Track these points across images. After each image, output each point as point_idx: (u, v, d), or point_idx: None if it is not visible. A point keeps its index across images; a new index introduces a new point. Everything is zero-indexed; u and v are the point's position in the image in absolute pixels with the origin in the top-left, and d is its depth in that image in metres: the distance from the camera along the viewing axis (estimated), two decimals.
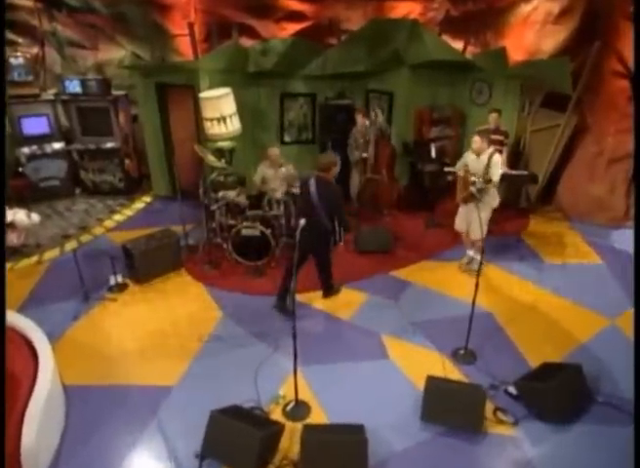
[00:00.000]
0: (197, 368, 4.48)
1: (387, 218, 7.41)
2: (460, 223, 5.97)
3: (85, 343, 4.83)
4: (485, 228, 5.55)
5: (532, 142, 7.57)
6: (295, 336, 3.70)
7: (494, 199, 5.65)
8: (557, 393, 3.77)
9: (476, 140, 5.50)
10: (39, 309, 5.19)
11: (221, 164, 6.19)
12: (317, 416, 3.93)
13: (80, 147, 8.10)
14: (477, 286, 4.36)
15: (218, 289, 5.72)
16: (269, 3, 8.44)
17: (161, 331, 5.00)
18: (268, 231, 5.92)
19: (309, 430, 3.57)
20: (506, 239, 6.74)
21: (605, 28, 6.63)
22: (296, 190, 6.14)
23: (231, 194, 6.20)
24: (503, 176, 5.69)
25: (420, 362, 4.53)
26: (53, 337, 4.46)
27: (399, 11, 8.38)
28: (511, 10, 7.72)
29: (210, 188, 6.21)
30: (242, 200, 6.26)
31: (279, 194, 6.23)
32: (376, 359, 4.58)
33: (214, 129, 6.39)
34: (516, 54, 7.61)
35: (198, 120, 7.14)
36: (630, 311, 5.08)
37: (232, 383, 4.27)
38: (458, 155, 8.13)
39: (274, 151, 6.33)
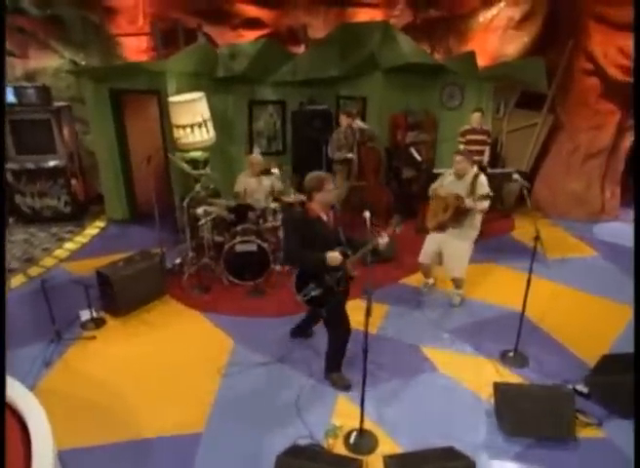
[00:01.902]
0: (223, 406, 3.70)
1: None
2: (426, 255, 4.99)
3: (68, 394, 3.84)
4: (466, 263, 4.84)
5: (508, 143, 7.64)
6: (365, 352, 3.14)
7: (474, 229, 4.77)
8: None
9: (459, 160, 4.57)
10: None
11: (206, 171, 5.51)
12: (387, 445, 3.34)
13: (15, 167, 6.86)
14: (528, 285, 4.07)
15: (216, 314, 4.94)
16: (225, 9, 7.94)
17: (164, 368, 4.14)
18: (266, 245, 5.30)
19: (395, 462, 3.00)
20: (500, 239, 6.65)
21: (572, 29, 6.87)
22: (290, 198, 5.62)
23: (216, 208, 5.51)
24: (490, 177, 4.98)
25: (471, 370, 4.13)
26: None
27: (360, 17, 8.24)
28: (473, 16, 7.86)
29: (190, 204, 5.47)
30: (226, 214, 5.62)
31: (273, 203, 5.62)
32: (424, 372, 4.09)
33: (187, 137, 5.71)
34: (480, 59, 7.69)
35: (164, 129, 6.36)
36: None
37: (270, 419, 3.56)
38: (432, 161, 8.07)
39: (256, 158, 5.78)
